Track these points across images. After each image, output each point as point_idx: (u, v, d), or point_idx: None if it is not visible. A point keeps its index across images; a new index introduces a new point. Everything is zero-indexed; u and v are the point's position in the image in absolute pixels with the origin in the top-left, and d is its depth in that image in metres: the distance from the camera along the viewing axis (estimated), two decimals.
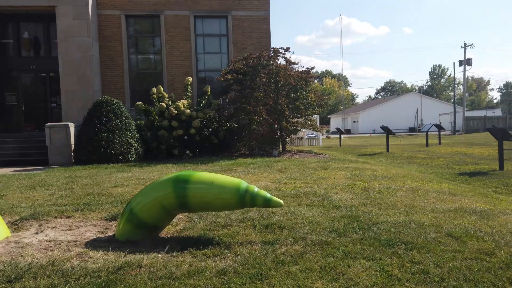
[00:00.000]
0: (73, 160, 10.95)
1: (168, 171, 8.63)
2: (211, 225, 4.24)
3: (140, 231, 3.80)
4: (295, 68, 13.41)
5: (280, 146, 13.73)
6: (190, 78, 13.21)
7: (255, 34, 15.20)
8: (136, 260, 3.11)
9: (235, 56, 14.16)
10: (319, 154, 13.10)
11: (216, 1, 15.00)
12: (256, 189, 3.70)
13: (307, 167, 9.05)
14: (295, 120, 12.56)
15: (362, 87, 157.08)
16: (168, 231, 4.15)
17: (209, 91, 13.09)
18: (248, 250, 3.37)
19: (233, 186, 3.69)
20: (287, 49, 12.74)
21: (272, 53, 12.81)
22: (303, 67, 13.98)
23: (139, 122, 11.86)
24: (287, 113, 12.19)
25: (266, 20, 15.35)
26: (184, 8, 14.93)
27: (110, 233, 4.07)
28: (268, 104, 11.89)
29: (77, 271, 2.90)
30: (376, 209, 4.83)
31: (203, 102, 12.91)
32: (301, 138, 22.25)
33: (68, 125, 11.44)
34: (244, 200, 3.64)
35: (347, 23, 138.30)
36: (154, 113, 12.07)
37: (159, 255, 3.31)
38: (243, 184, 3.72)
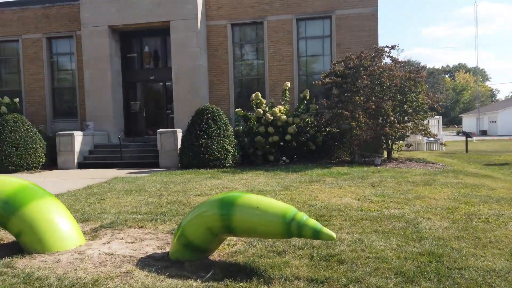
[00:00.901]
0: (179, 164, 11.75)
1: (256, 179, 8.59)
2: (266, 249, 3.96)
3: (188, 252, 3.73)
4: (404, 67, 12.15)
5: (386, 153, 12.59)
6: (288, 83, 13.04)
7: (361, 33, 14.25)
8: None
9: (338, 58, 13.48)
10: (432, 163, 11.61)
11: (319, 1, 14.52)
12: (305, 217, 3.30)
13: (408, 180, 8.03)
14: (401, 125, 11.33)
15: (507, 82, 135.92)
16: (223, 251, 4.01)
17: (308, 95, 12.72)
18: None
19: (279, 213, 3.35)
20: (392, 47, 11.61)
21: (375, 52, 11.80)
22: (414, 65, 12.56)
23: (237, 128, 12.16)
24: (392, 118, 11.08)
25: (373, 17, 14.26)
26: (287, 12, 14.82)
27: (167, 249, 4.11)
28: (370, 108, 10.98)
29: None
30: (471, 246, 3.93)
31: (301, 107, 12.60)
32: (419, 143, 20.21)
33: (176, 131, 12.36)
34: (290, 229, 3.29)
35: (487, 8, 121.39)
36: (252, 119, 12.23)
37: (195, 283, 3.18)
38: (291, 211, 3.35)
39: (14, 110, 14.48)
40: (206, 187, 7.70)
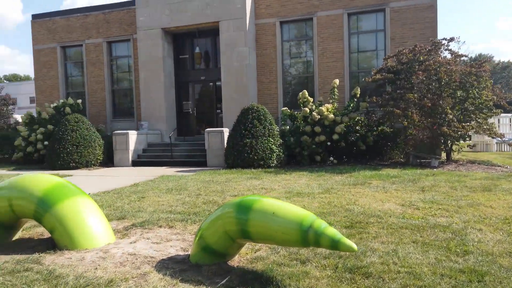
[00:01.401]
0: (225, 164, 11.82)
1: (298, 181, 8.34)
2: (289, 257, 3.75)
3: (207, 256, 3.64)
4: (466, 61, 11.15)
5: (445, 154, 11.66)
6: (337, 81, 12.55)
7: (417, 25, 13.34)
8: None
9: (393, 53, 12.74)
10: (499, 166, 10.56)
11: None
12: (323, 226, 3.06)
13: (464, 185, 7.32)
14: (462, 124, 10.38)
15: None
16: (245, 256, 3.86)
17: (359, 93, 12.15)
18: None
19: (296, 220, 3.14)
20: (451, 40, 10.69)
21: (431, 46, 10.94)
22: (484, 59, 11.49)
23: (284, 128, 11.95)
24: (450, 116, 10.21)
25: (432, 8, 13.27)
26: (338, 6, 14.30)
27: (190, 252, 4.05)
28: (425, 106, 10.20)
29: None
30: None
31: (351, 105, 12.07)
32: (487, 144, 18.55)
33: (223, 130, 12.45)
34: (307, 238, 3.07)
35: None
36: (299, 118, 11.95)
37: None
38: (309, 218, 3.12)
39: (77, 111, 15.50)
40: (244, 187, 7.61)
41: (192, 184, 8.18)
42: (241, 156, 10.85)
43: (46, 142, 13.86)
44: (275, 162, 10.97)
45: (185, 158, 13.41)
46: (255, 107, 11.45)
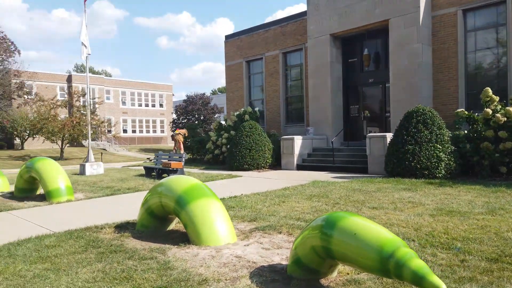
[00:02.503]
0: (385, 171, 11.05)
1: (460, 196, 7.08)
2: (391, 285, 3.30)
3: (299, 270, 3.57)
4: None
5: None
6: None
7: None
8: None
9: None
10: None
11: None
12: (408, 255, 2.63)
13: None
14: None
15: None
16: (342, 277, 3.60)
17: None
18: None
19: (376, 245, 2.79)
20: None
21: None
22: None
23: (457, 133, 10.30)
24: None
25: None
26: None
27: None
28: None
29: None
30: None
31: None
32: None
33: (385, 135, 11.66)
34: (387, 267, 2.69)
35: None
36: (479, 121, 10.09)
37: None
38: (392, 245, 2.73)
39: (255, 118, 17.23)
40: (389, 199, 6.97)
41: (337, 192, 8.00)
42: (401, 164, 9.93)
43: (228, 146, 15.94)
44: (442, 172, 9.58)
45: (346, 163, 13.16)
46: (421, 110, 10.27)
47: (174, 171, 11.88)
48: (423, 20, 13.24)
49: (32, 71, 32.34)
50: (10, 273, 3.72)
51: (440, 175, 9.57)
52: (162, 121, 53.04)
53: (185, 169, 14.41)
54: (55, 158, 29.48)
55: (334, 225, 3.16)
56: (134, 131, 50.63)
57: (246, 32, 21.09)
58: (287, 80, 19.05)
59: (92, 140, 41.15)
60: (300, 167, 14.10)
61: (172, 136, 20.05)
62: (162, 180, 5.52)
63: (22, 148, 37.07)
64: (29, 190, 9.43)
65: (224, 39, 22.42)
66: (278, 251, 4.37)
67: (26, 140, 36.02)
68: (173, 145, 20.72)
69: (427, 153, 9.67)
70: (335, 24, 15.47)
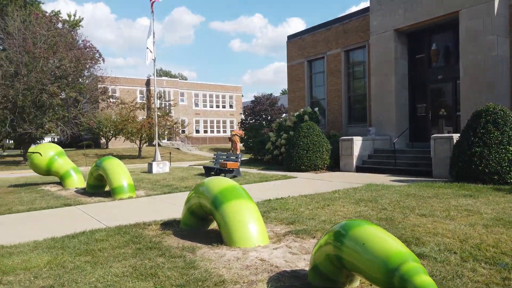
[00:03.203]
0: (450, 175, 10.24)
1: None
2: None
3: (317, 277, 3.50)
4: None
5: None
6: None
7: None
8: None
9: None
10: None
11: None
12: (414, 271, 2.48)
13: None
14: None
15: None
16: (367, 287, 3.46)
17: None
18: None
19: (382, 256, 2.67)
20: None
21: None
22: None
23: None
24: None
25: None
26: None
27: None
28: None
29: None
30: None
31: None
32: None
33: (452, 136, 10.79)
34: (392, 280, 2.59)
35: None
36: None
37: None
38: (398, 258, 2.60)
39: (315, 118, 16.98)
40: (443, 207, 6.46)
41: (388, 197, 7.61)
42: (467, 167, 9.11)
43: (286, 147, 15.91)
44: None
45: (408, 166, 12.42)
46: (491, 109, 9.33)
47: (230, 171, 12.19)
48: (498, 10, 12.01)
49: (113, 76, 35.24)
50: (55, 264, 4.15)
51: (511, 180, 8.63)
52: (232, 122, 54.59)
53: (243, 170, 14.71)
54: (134, 157, 31.94)
55: (346, 233, 3.06)
56: (205, 131, 52.72)
57: (307, 32, 20.88)
58: (349, 79, 18.49)
59: (167, 140, 43.95)
60: (359, 169, 13.62)
61: (229, 137, 20.59)
62: (204, 180, 5.72)
63: (107, 147, 40.69)
64: (99, 186, 10.35)
65: (286, 40, 22.43)
66: (305, 256, 4.31)
67: (110, 139, 39.49)
68: (231, 145, 21.27)
69: (497, 156, 8.76)
70: (400, 19, 14.67)
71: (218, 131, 53.44)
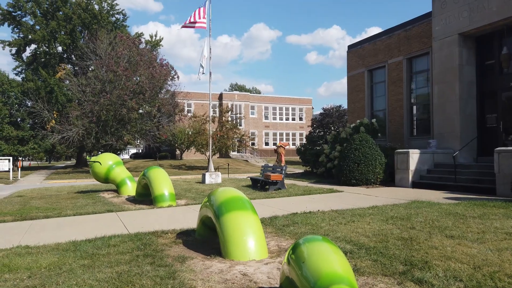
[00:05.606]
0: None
1: None
2: None
3: None
4: None
5: None
6: None
7: None
8: None
9: None
10: None
11: None
12: None
13: None
14: None
15: None
16: None
17: None
18: None
19: (313, 276, 2.56)
20: None
21: None
22: None
23: None
24: None
25: None
26: None
27: None
28: None
29: None
30: None
31: None
32: None
33: None
34: None
35: None
36: None
37: None
38: (330, 280, 2.43)
39: (372, 130, 16.16)
40: (480, 228, 5.67)
41: (425, 215, 6.91)
42: None
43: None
44: None
45: (471, 182, 11.19)
46: None
47: (274, 183, 12.07)
48: None
49: (186, 91, 37.27)
50: (55, 265, 4.45)
51: None
52: (301, 134, 54.37)
53: (293, 182, 14.49)
54: (204, 168, 33.31)
55: (295, 249, 2.85)
56: (275, 144, 53.07)
57: (368, 40, 20.11)
58: (411, 89, 17.33)
59: (237, 152, 45.15)
60: (415, 185, 12.58)
61: (275, 149, 20.42)
62: (214, 190, 5.75)
63: (181, 158, 43.03)
64: (146, 194, 10.92)
65: (346, 50, 21.83)
66: None
67: (184, 151, 41.75)
68: (276, 157, 21.06)
69: None
70: (465, 22, 13.46)
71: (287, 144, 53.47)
